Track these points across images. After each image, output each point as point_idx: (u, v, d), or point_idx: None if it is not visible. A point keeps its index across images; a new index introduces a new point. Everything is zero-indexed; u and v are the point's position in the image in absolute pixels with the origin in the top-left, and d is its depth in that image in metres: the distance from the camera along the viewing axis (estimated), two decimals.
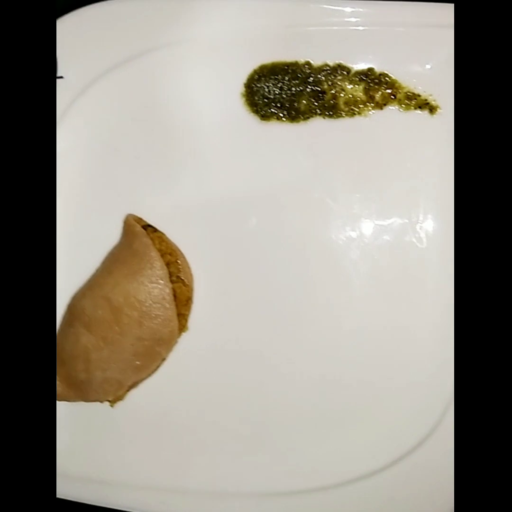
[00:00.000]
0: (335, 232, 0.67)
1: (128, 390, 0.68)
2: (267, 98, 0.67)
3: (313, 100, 0.67)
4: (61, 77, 0.69)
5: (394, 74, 0.65)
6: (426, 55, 0.64)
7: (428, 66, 0.64)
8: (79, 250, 0.70)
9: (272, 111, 0.67)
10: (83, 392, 0.67)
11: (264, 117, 0.67)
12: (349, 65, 0.66)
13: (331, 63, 0.66)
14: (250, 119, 0.68)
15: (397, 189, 0.67)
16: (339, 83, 0.66)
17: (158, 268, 0.65)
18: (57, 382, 0.68)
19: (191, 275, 0.69)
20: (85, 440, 0.69)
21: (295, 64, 0.67)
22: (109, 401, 0.68)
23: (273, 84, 0.67)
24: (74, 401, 0.68)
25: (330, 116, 0.66)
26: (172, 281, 0.66)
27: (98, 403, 0.68)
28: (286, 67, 0.67)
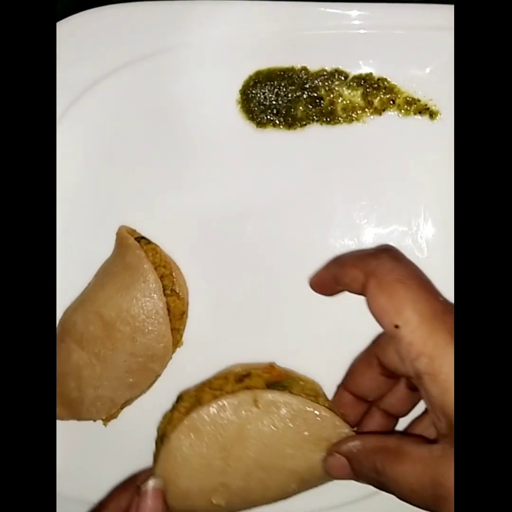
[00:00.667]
0: (334, 242, 0.66)
1: (121, 408, 0.66)
2: (263, 105, 0.65)
3: (310, 106, 0.65)
4: None
5: (393, 78, 0.64)
6: (426, 58, 0.62)
7: (427, 70, 0.62)
8: (71, 263, 0.67)
9: (268, 118, 0.65)
10: (75, 411, 0.65)
11: (260, 124, 0.66)
12: (346, 70, 0.64)
13: (328, 68, 0.64)
14: (246, 127, 0.66)
15: (397, 197, 0.65)
16: (336, 88, 0.64)
17: (151, 281, 0.63)
18: None
19: (186, 288, 0.67)
20: (77, 460, 0.67)
21: (292, 69, 0.65)
22: (102, 419, 0.66)
23: (269, 90, 0.65)
24: (66, 419, 0.66)
25: (327, 122, 0.65)
26: (166, 295, 0.64)
27: (91, 422, 0.66)
28: (282, 73, 0.65)
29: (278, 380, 0.60)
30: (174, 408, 0.61)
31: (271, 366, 0.62)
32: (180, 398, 0.62)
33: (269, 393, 0.58)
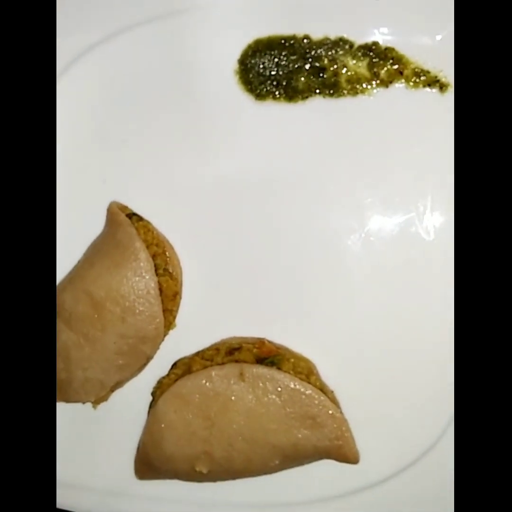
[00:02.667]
0: (335, 222, 0.63)
1: (111, 391, 0.64)
2: (263, 75, 0.62)
3: (312, 77, 0.61)
4: None
5: (401, 48, 0.60)
6: (437, 25, 0.59)
7: (438, 38, 0.59)
8: (60, 240, 0.65)
9: (268, 90, 0.62)
10: (63, 393, 0.63)
11: (260, 96, 0.62)
12: (351, 38, 0.61)
13: (332, 37, 0.61)
14: (244, 99, 0.63)
15: (403, 175, 0.62)
16: (340, 58, 0.61)
17: (143, 260, 0.61)
18: None
19: (179, 267, 0.64)
20: (65, 443, 0.65)
21: (293, 38, 0.61)
22: (91, 402, 0.64)
23: (269, 60, 0.62)
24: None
25: (330, 95, 0.61)
26: (158, 274, 0.62)
27: (80, 404, 0.64)
28: (283, 42, 0.61)
29: (268, 356, 0.61)
30: (167, 374, 0.63)
31: (262, 342, 0.62)
32: (174, 365, 0.64)
33: (256, 367, 0.59)
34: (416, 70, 0.60)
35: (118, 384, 0.64)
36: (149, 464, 0.61)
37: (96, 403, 0.64)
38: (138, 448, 0.63)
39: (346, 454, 0.59)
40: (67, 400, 0.64)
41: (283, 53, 0.61)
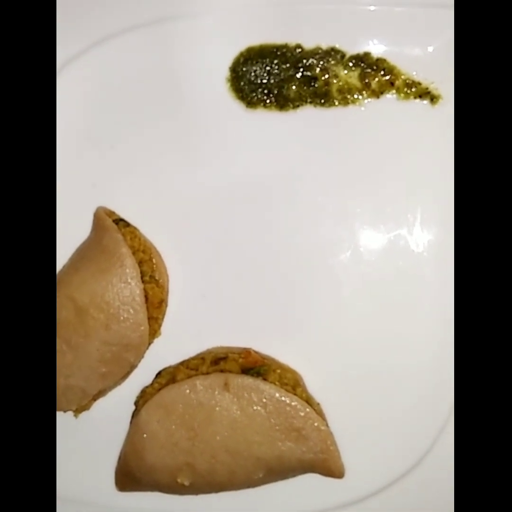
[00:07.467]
0: (325, 232, 0.62)
1: (93, 400, 0.63)
2: (254, 83, 0.62)
3: (303, 86, 0.61)
4: None
5: (393, 59, 0.60)
6: (428, 37, 0.59)
7: (430, 49, 0.59)
8: None
9: (259, 98, 0.62)
10: None
11: (250, 104, 0.62)
12: (343, 48, 0.61)
13: (324, 46, 0.61)
14: (235, 106, 0.63)
15: (393, 186, 0.62)
16: (332, 68, 0.61)
17: (128, 266, 0.60)
18: None
19: (166, 275, 0.64)
20: None
21: (285, 46, 0.61)
22: (72, 411, 0.63)
23: (260, 68, 0.62)
24: None
25: (321, 104, 0.61)
26: (144, 281, 0.61)
27: (61, 413, 0.63)
28: (275, 50, 0.61)
29: (254, 366, 0.60)
30: (151, 383, 0.62)
31: (248, 352, 0.61)
32: (158, 374, 0.63)
33: (241, 378, 0.58)
34: (407, 81, 0.60)
35: (101, 393, 0.63)
36: (130, 475, 0.60)
37: (77, 411, 0.63)
38: (119, 459, 0.62)
39: (331, 468, 0.58)
40: None
41: (275, 62, 0.61)
